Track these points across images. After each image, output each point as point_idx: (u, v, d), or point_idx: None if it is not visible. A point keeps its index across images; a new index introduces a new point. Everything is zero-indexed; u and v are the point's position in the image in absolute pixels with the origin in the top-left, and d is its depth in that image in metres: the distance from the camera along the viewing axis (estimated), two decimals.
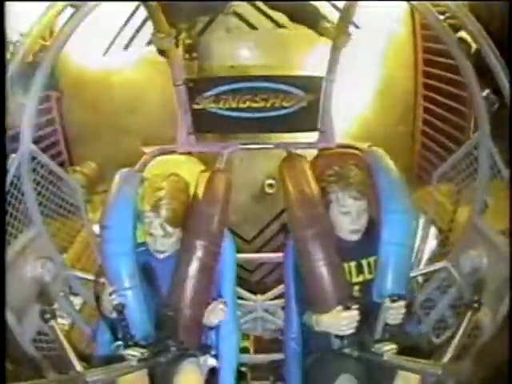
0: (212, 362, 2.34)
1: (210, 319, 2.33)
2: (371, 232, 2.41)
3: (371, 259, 2.40)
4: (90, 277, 2.95)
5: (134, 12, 4.37)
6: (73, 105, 4.90)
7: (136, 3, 3.73)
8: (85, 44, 4.45)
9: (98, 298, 2.32)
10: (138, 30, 4.57)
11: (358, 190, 2.34)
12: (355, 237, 2.39)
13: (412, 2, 2.92)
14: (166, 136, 3.42)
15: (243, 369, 2.69)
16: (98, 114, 5.07)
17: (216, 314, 2.33)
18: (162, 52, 3.12)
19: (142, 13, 4.17)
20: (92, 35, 4.34)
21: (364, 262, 2.40)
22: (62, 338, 1.80)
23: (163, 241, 2.34)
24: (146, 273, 2.37)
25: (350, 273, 2.39)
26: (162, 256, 2.39)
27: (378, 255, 2.37)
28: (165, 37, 2.83)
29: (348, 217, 2.36)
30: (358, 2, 2.88)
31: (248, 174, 4.92)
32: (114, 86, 4.97)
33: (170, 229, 2.32)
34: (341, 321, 2.18)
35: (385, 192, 2.48)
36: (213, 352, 2.39)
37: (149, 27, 3.98)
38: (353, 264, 2.40)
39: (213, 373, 2.36)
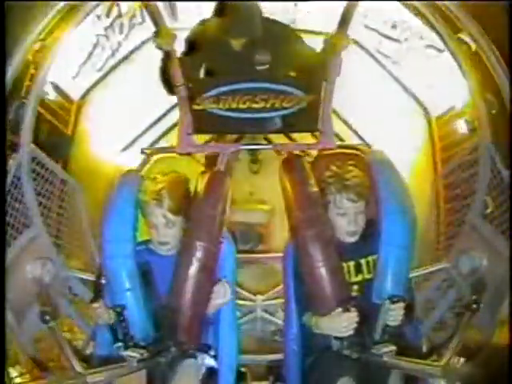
0: (210, 361, 2.34)
1: (214, 302, 2.35)
2: (370, 232, 2.40)
3: (370, 258, 2.39)
4: (90, 277, 2.96)
5: (162, 116, 4.30)
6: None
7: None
8: (106, 136, 4.26)
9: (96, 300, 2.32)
10: (162, 136, 4.46)
11: (355, 192, 2.32)
12: (352, 239, 2.38)
13: (412, 2, 2.92)
14: None
15: (243, 369, 2.68)
16: None
17: (219, 295, 2.35)
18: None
19: (169, 119, 4.16)
20: (115, 128, 4.24)
21: (363, 262, 2.40)
22: (61, 339, 1.80)
23: (166, 231, 2.35)
24: (145, 273, 2.37)
25: (349, 272, 2.38)
26: (165, 249, 2.39)
27: (378, 256, 2.37)
28: (164, 39, 2.84)
29: (345, 218, 2.35)
30: None
31: None
32: None
33: (171, 217, 2.34)
34: (340, 323, 2.17)
35: (385, 192, 2.48)
36: (212, 352, 2.39)
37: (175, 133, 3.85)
38: (351, 264, 2.39)
39: (212, 373, 2.35)
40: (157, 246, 2.41)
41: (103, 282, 2.39)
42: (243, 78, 3.10)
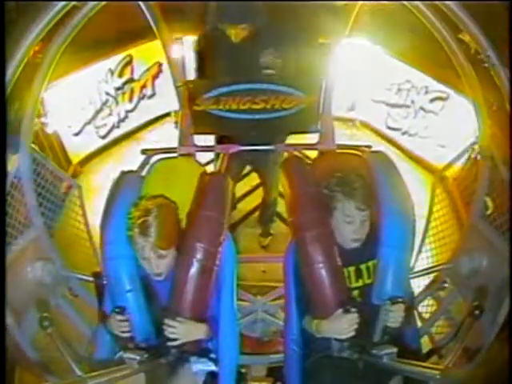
0: (210, 366, 2.34)
1: None
2: (370, 236, 2.39)
3: (370, 263, 2.39)
4: (90, 278, 2.97)
5: None
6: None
7: None
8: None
9: (100, 302, 2.32)
10: None
11: (363, 201, 2.30)
12: (355, 245, 2.37)
13: (412, 2, 2.91)
14: None
15: (243, 370, 2.68)
16: None
17: None
18: None
19: None
20: None
21: (363, 267, 2.39)
22: (61, 344, 1.80)
23: (158, 262, 2.25)
24: (146, 286, 2.36)
25: (349, 278, 2.38)
26: (160, 279, 2.32)
27: (378, 258, 2.37)
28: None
29: (351, 226, 2.32)
30: None
31: None
32: None
33: (162, 251, 2.24)
34: (341, 324, 2.18)
35: (385, 193, 2.48)
36: (212, 355, 2.39)
37: None
38: (351, 269, 2.39)
39: (212, 375, 2.36)
40: (151, 274, 2.31)
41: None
42: (243, 78, 3.09)
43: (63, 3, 2.40)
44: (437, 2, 2.64)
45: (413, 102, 5.16)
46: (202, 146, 3.52)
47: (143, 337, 2.25)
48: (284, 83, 3.10)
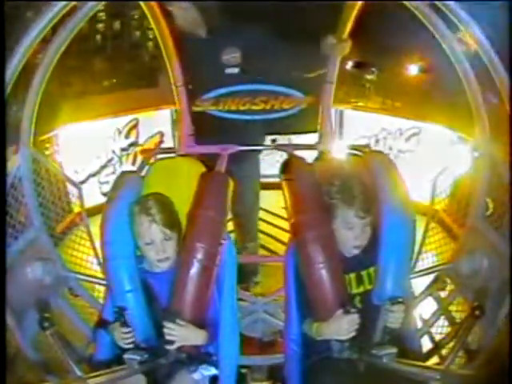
0: (211, 371, 2.34)
1: None
2: (371, 242, 2.37)
3: (371, 270, 2.38)
4: (90, 278, 2.97)
5: None
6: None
7: None
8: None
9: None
10: None
11: (363, 209, 2.28)
12: (357, 251, 2.36)
13: (412, 2, 2.91)
14: None
15: (243, 370, 2.68)
16: None
17: None
18: None
19: None
20: None
21: (364, 273, 2.38)
22: (61, 344, 1.80)
23: (164, 245, 2.28)
24: (146, 289, 2.36)
25: (350, 284, 2.37)
26: (166, 265, 2.32)
27: (378, 259, 2.36)
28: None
29: (352, 232, 2.31)
30: None
31: None
32: None
33: (168, 231, 2.28)
34: (342, 325, 2.17)
35: (386, 194, 2.47)
36: (214, 358, 2.38)
37: None
38: (352, 275, 2.38)
39: (214, 377, 2.35)
40: (156, 264, 2.33)
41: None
42: (243, 79, 3.09)
43: (63, 3, 2.40)
44: (437, 2, 2.65)
45: (391, 148, 5.26)
46: (202, 147, 3.51)
47: (143, 337, 2.24)
48: (283, 84, 3.10)
